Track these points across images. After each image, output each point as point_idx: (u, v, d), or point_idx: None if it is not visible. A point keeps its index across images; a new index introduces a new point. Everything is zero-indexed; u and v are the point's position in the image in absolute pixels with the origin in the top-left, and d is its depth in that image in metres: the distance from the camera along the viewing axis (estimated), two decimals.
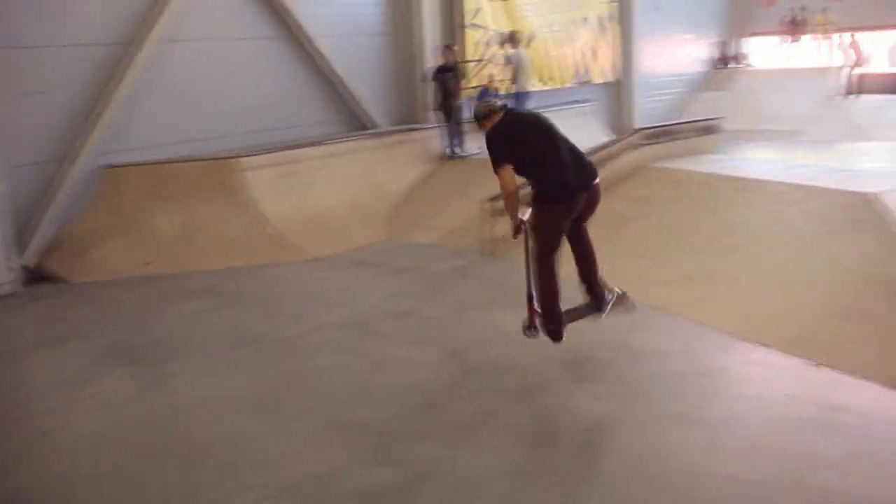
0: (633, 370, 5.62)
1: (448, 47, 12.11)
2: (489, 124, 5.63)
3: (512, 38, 12.24)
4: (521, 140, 5.54)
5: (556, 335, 5.61)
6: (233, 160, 9.74)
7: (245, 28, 11.07)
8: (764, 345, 5.85)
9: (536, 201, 5.54)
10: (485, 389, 5.39)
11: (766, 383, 5.36)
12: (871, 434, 4.60)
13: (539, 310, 5.57)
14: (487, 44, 13.98)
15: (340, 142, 11.45)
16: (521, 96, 12.26)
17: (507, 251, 8.80)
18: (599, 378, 5.53)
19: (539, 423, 4.90)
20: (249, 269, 8.75)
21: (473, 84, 13.25)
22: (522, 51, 12.52)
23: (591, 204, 5.71)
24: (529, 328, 5.63)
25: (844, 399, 5.01)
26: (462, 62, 13.32)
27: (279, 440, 4.80)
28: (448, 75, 11.82)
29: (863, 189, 7.71)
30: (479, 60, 13.68)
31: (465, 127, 12.44)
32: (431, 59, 12.59)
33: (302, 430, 4.91)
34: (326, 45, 11.78)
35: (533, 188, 5.59)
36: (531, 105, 13.26)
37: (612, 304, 5.87)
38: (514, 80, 12.14)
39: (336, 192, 10.63)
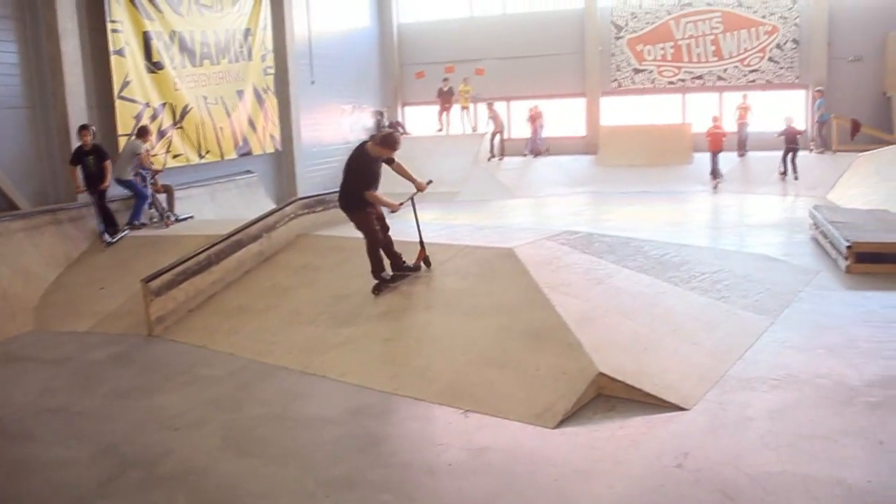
0: (294, 441, 5.63)
1: (85, 128, 11.38)
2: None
3: (140, 132, 12.27)
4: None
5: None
6: None
7: None
8: (419, 399, 6.19)
9: None
10: (142, 481, 5.12)
11: (421, 436, 5.66)
12: (514, 469, 5.02)
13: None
14: (138, 117, 13.54)
15: None
16: (123, 183, 11.95)
17: (169, 332, 8.52)
18: (260, 453, 5.47)
19: None
20: None
21: None
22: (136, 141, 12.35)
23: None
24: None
25: (490, 440, 5.44)
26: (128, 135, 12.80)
27: None
28: (89, 158, 11.24)
29: (503, 245, 8.52)
30: (132, 135, 13.19)
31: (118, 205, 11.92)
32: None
33: None
34: None
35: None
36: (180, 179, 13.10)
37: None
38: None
39: None
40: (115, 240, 11.33)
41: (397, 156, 8.15)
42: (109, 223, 11.50)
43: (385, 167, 8.14)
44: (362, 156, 7.93)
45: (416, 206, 8.49)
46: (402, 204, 8.23)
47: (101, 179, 11.26)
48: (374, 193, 7.94)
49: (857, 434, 5.21)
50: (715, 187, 20.22)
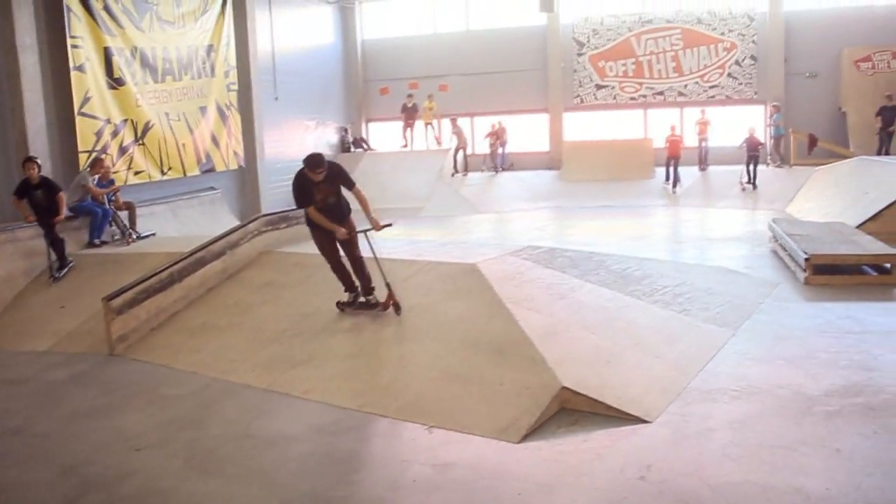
0: (258, 459, 5.58)
1: (30, 160, 10.75)
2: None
3: (92, 163, 12.17)
4: None
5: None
6: None
7: None
8: (383, 415, 6.18)
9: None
10: (103, 503, 5.04)
11: (385, 452, 5.65)
12: (478, 484, 5.02)
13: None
14: (99, 134, 13.43)
15: None
16: (72, 210, 11.66)
17: (131, 350, 8.42)
18: (224, 472, 5.41)
19: None
20: None
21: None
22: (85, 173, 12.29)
23: None
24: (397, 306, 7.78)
25: (454, 456, 5.44)
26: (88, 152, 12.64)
27: None
28: (37, 192, 10.60)
29: (467, 260, 8.54)
30: (93, 151, 13.08)
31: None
32: (43, 149, 11.82)
33: None
34: None
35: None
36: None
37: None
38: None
39: None
40: (61, 275, 10.69)
41: (366, 177, 8.11)
42: (59, 256, 10.83)
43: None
44: (301, 176, 7.78)
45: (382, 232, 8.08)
46: (348, 233, 7.83)
47: (51, 212, 10.67)
48: (315, 213, 7.77)
49: (815, 443, 5.30)
50: (674, 191, 20.97)
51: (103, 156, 13.09)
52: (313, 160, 7.67)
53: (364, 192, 7.96)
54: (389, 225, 8.01)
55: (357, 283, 8.08)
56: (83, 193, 11.89)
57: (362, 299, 8.08)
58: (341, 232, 7.80)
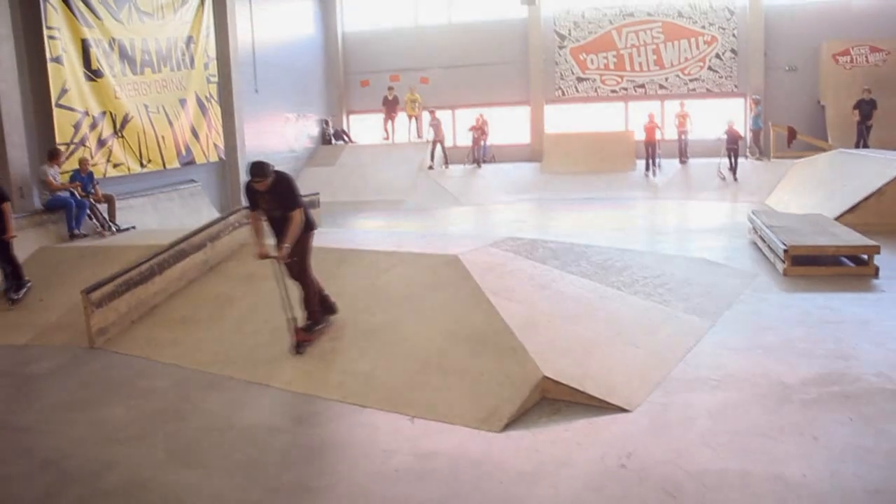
0: (240, 451, 5.58)
1: None
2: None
3: (49, 155, 12.01)
4: None
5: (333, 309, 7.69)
6: None
7: None
8: (365, 406, 6.20)
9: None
10: (84, 496, 5.01)
11: (368, 443, 5.65)
12: (460, 473, 5.05)
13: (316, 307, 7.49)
14: (77, 126, 13.31)
15: None
16: (45, 206, 11.62)
17: (111, 343, 8.37)
18: (206, 464, 5.40)
19: None
20: None
21: (64, 169, 12.46)
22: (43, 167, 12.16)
23: None
24: (299, 345, 7.27)
25: (436, 446, 5.47)
26: (58, 146, 12.53)
27: None
28: None
29: (448, 251, 8.54)
30: (71, 144, 12.97)
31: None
32: (20, 141, 11.68)
33: None
34: None
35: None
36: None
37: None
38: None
39: None
40: (19, 296, 9.84)
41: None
42: (14, 275, 9.93)
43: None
44: (248, 182, 7.18)
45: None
46: (265, 255, 7.30)
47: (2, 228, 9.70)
48: (254, 220, 7.43)
49: (793, 431, 5.37)
50: (653, 176, 21.46)
51: (60, 147, 12.75)
52: (252, 168, 7.08)
53: (298, 219, 7.23)
54: (287, 259, 7.25)
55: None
56: (45, 187, 11.77)
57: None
58: (255, 252, 7.44)
